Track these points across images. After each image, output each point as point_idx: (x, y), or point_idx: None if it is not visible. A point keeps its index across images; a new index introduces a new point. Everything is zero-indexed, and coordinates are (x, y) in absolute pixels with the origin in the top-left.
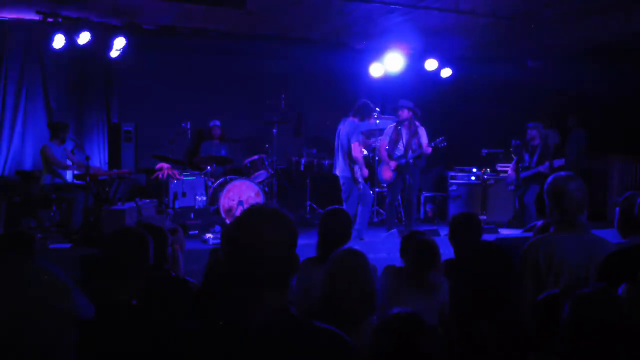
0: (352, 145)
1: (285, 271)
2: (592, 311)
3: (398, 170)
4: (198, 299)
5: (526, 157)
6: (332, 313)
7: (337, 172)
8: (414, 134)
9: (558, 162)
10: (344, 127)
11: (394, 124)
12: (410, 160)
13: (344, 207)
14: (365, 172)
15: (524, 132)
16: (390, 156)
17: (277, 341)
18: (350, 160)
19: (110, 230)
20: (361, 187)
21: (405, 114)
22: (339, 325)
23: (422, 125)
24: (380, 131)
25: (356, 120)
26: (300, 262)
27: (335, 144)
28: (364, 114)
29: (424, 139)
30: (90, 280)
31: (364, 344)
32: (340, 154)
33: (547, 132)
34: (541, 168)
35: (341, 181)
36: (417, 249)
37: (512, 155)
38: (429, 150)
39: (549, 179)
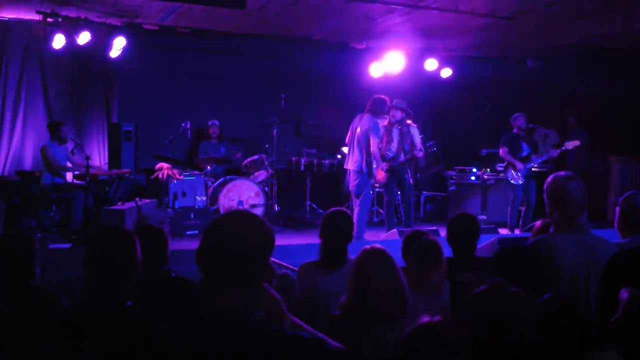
0: (372, 141)
1: (252, 273)
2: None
3: (392, 171)
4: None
5: (524, 145)
6: (360, 315)
7: (350, 166)
8: (406, 134)
9: (573, 144)
10: (361, 123)
11: (385, 124)
12: (404, 161)
13: (358, 202)
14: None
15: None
16: (383, 157)
17: (238, 343)
18: (368, 155)
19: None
20: (372, 181)
21: (398, 114)
22: (367, 326)
23: (416, 123)
24: None
25: (373, 116)
26: (299, 266)
27: (349, 138)
28: (376, 110)
29: (417, 138)
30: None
31: (395, 345)
32: (356, 148)
33: (547, 132)
34: (553, 153)
35: (354, 176)
36: (421, 249)
37: (504, 146)
38: (421, 154)
39: (549, 178)
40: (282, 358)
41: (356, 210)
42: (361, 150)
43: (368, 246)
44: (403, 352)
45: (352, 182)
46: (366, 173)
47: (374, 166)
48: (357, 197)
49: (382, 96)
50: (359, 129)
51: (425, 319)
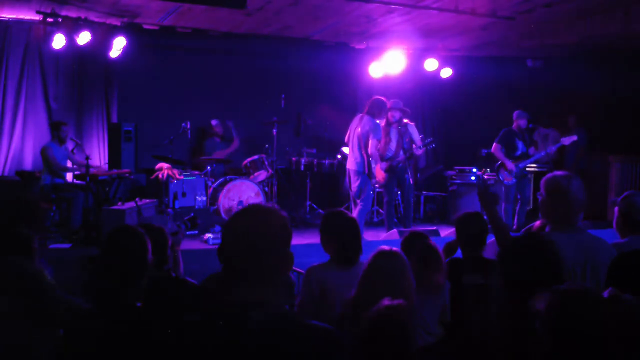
0: (371, 141)
1: (279, 266)
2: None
3: (391, 170)
4: (198, 299)
5: (519, 144)
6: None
7: (351, 166)
8: (404, 133)
9: (570, 139)
10: (361, 124)
11: (383, 124)
12: (404, 160)
13: (359, 202)
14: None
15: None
16: (382, 157)
17: (273, 338)
18: (368, 156)
19: (108, 230)
20: (373, 181)
21: (397, 114)
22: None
23: (416, 123)
24: None
25: (372, 117)
26: (307, 269)
27: (349, 138)
28: (375, 111)
29: (416, 136)
30: (92, 282)
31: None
32: (356, 149)
33: (547, 132)
34: (551, 149)
35: (355, 177)
36: (423, 250)
37: (499, 143)
38: (420, 151)
39: (548, 177)
40: (306, 345)
41: (357, 209)
42: (361, 151)
43: (386, 247)
44: (367, 335)
45: (352, 182)
46: (367, 174)
47: (373, 165)
48: (358, 197)
49: (381, 97)
50: (359, 129)
51: (386, 302)
